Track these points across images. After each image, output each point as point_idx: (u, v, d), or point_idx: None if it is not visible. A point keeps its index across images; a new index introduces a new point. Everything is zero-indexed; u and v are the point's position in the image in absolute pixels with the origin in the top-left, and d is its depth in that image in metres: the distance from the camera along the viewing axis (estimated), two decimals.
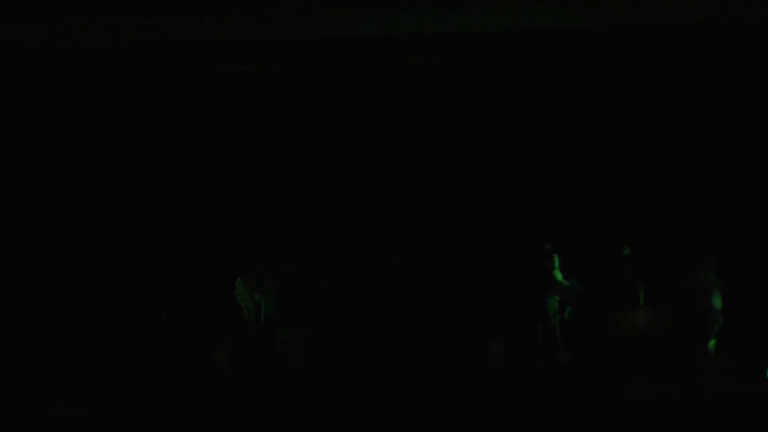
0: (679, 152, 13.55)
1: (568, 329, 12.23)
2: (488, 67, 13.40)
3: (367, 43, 13.00)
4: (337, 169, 13.89)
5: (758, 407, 9.21)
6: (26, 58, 12.98)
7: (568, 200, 13.69)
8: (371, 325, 11.97)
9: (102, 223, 13.83)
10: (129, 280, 13.69)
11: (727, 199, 13.39)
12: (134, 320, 13.25)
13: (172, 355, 12.70)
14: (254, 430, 9.54)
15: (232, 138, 13.86)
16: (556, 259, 11.82)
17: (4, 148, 13.63)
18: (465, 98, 13.72)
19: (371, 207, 13.74)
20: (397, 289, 12.22)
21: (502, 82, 13.59)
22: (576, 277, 12.17)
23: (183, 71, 13.50)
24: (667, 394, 9.79)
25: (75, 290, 13.56)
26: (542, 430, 8.93)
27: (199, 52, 13.22)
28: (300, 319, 11.90)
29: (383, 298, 11.93)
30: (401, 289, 12.35)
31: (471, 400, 10.25)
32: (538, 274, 11.99)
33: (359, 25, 12.33)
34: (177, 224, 13.81)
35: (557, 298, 12.00)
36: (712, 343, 11.63)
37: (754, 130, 13.38)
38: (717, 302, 11.71)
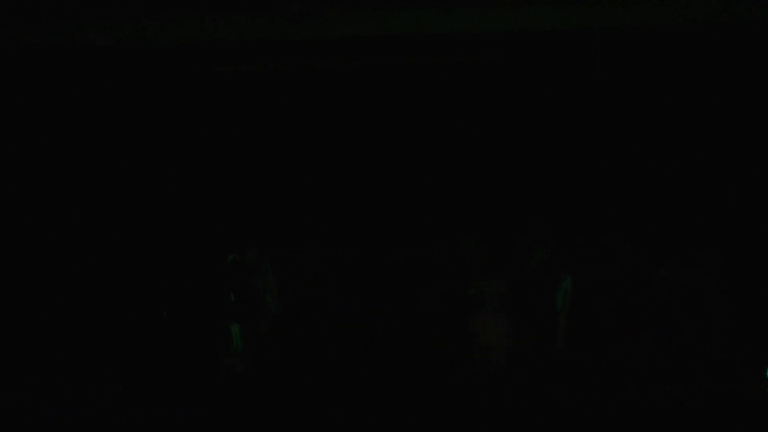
0: (679, 151, 13.55)
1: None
2: (488, 67, 13.39)
3: (367, 43, 12.99)
4: (337, 168, 13.89)
5: (758, 407, 9.20)
6: (26, 58, 12.98)
7: (568, 198, 13.70)
8: (371, 325, 11.99)
9: (103, 223, 13.84)
10: (129, 280, 13.69)
11: (728, 199, 13.39)
12: (134, 320, 13.27)
13: (172, 354, 12.72)
14: (255, 429, 9.54)
15: (233, 138, 13.86)
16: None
17: (5, 148, 13.64)
18: (465, 98, 13.72)
19: (371, 206, 13.74)
20: (397, 289, 12.24)
21: (502, 82, 13.59)
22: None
23: (183, 71, 13.50)
24: (667, 394, 9.79)
25: (75, 290, 13.57)
26: (542, 430, 8.93)
27: (199, 52, 13.21)
28: (300, 319, 11.89)
29: (383, 298, 11.92)
30: (401, 289, 12.39)
31: (471, 400, 10.25)
32: (539, 270, 11.95)
33: (359, 25, 12.33)
34: (177, 224, 13.82)
35: (561, 293, 11.98)
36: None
37: (753, 130, 13.39)
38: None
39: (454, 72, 13.58)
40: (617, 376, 10.97)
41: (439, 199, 13.70)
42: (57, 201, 13.78)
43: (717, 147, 13.45)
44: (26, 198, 13.71)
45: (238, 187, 13.82)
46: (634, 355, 12.25)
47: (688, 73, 13.32)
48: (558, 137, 13.70)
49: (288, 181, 13.86)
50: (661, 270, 13.57)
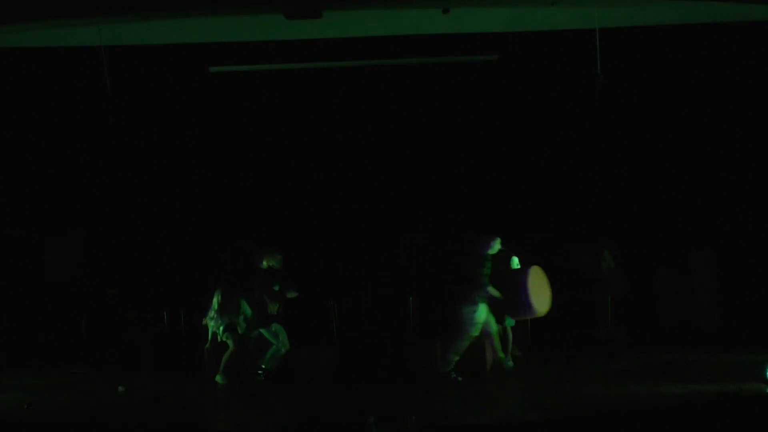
0: (680, 151, 13.58)
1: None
2: (488, 67, 13.40)
3: (367, 43, 13.00)
4: (336, 168, 13.92)
5: (758, 407, 9.21)
6: (28, 58, 13.00)
7: (567, 198, 13.74)
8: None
9: (105, 222, 13.89)
10: (128, 279, 13.73)
11: (728, 199, 13.40)
12: (134, 319, 13.30)
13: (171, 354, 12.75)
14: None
15: (232, 138, 13.88)
16: (516, 259, 11.66)
17: (7, 147, 13.69)
18: (465, 98, 13.74)
19: (370, 205, 13.78)
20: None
21: (502, 82, 13.61)
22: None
23: (182, 71, 13.52)
24: (666, 395, 9.80)
25: (73, 288, 13.61)
26: (544, 430, 8.95)
27: (199, 52, 13.22)
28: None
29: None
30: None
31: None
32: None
33: (359, 25, 12.32)
34: (177, 224, 13.87)
35: None
36: None
37: (752, 131, 13.42)
38: None
39: (454, 72, 13.61)
40: (617, 376, 10.99)
41: (439, 197, 13.75)
42: (59, 200, 13.83)
43: (717, 146, 13.49)
44: (28, 196, 13.77)
45: (239, 186, 13.87)
46: (634, 355, 12.28)
47: (687, 73, 13.36)
48: (556, 137, 13.75)
49: (290, 181, 13.91)
50: (659, 272, 13.63)
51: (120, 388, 11.04)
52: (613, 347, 12.82)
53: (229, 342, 11.52)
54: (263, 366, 11.38)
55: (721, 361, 11.43)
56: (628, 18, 12.21)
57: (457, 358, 10.95)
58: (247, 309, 11.60)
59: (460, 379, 10.91)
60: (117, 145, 13.55)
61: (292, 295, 11.53)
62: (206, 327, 11.70)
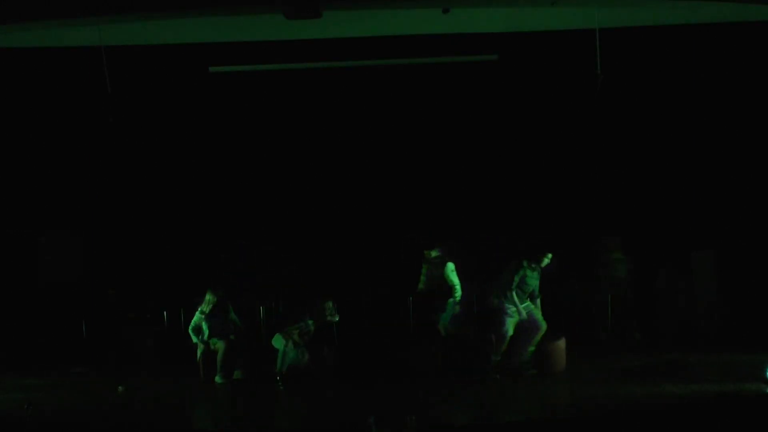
0: (680, 152, 13.58)
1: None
2: (488, 67, 13.39)
3: (367, 43, 13.00)
4: (336, 168, 13.92)
5: (758, 407, 9.21)
6: (28, 58, 12.99)
7: (567, 198, 13.74)
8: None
9: (105, 222, 13.88)
10: (128, 279, 13.72)
11: (729, 200, 13.40)
12: (134, 319, 13.30)
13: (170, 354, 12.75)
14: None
15: (232, 138, 13.88)
16: (451, 265, 11.58)
17: (7, 147, 13.68)
18: (465, 98, 13.73)
19: (369, 206, 13.78)
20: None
21: (502, 82, 13.60)
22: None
23: (182, 71, 13.51)
24: (667, 394, 9.80)
25: (73, 288, 13.61)
26: (544, 430, 8.95)
27: (199, 52, 13.21)
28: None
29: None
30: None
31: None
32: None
33: (359, 25, 12.31)
34: (177, 224, 13.86)
35: (451, 301, 11.92)
36: None
37: (752, 131, 13.41)
38: None
39: (454, 72, 13.60)
40: (617, 376, 10.98)
41: (440, 197, 13.75)
42: (59, 199, 13.83)
43: (717, 147, 13.48)
44: (28, 195, 13.77)
45: (238, 187, 13.87)
46: (634, 355, 12.27)
47: (686, 73, 13.35)
48: (557, 137, 13.74)
49: (289, 181, 13.91)
50: (659, 272, 13.62)
51: (120, 388, 11.04)
52: (624, 347, 12.81)
53: (219, 344, 11.57)
54: (278, 370, 11.37)
55: (721, 361, 11.43)
56: (628, 18, 12.20)
57: (498, 358, 11.03)
58: (233, 315, 11.74)
59: (497, 376, 10.97)
60: (117, 145, 13.54)
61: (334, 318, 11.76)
62: (196, 329, 11.77)
